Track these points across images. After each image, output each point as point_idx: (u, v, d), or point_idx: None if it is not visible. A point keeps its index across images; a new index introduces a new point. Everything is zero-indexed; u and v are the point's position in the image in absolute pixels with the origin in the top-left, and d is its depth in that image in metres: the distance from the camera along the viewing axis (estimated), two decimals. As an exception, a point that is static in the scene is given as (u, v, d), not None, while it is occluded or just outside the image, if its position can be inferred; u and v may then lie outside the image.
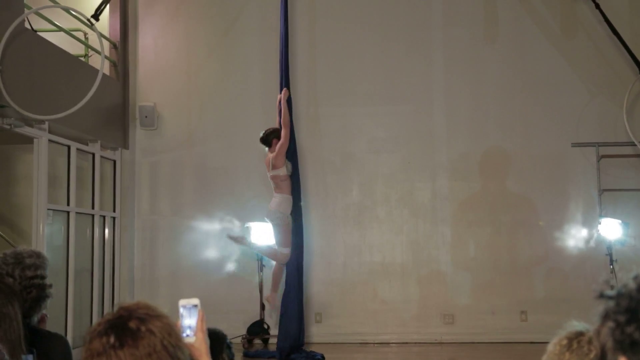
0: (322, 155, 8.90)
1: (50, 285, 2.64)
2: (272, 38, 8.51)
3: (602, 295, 1.07)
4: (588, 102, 8.75)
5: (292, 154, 7.59)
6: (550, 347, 1.82)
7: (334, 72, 9.01)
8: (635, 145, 8.16)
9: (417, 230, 8.81)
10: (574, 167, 8.74)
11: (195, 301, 1.97)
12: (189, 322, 1.95)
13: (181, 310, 1.96)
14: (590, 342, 1.76)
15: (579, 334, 1.79)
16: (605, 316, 1.06)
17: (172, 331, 1.63)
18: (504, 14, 8.93)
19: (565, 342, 1.80)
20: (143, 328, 1.59)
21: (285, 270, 7.42)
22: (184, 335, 1.94)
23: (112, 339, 1.58)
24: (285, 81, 7.82)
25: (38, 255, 2.66)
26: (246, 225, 8.64)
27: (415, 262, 8.74)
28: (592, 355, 1.73)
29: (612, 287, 1.07)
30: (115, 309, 1.67)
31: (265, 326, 8.52)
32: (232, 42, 9.15)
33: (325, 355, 7.36)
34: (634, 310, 1.01)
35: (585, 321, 1.83)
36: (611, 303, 1.05)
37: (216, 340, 2.13)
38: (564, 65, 8.79)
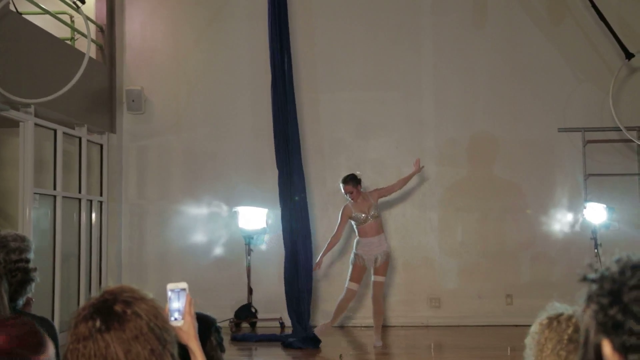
0: (310, 141, 8.89)
1: (35, 269, 2.64)
2: (261, 23, 8.46)
3: (585, 279, 1.08)
4: (575, 87, 8.79)
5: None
6: (532, 328, 1.88)
7: (322, 57, 8.98)
8: (621, 130, 8.22)
9: (404, 216, 8.85)
10: (561, 152, 8.79)
11: (184, 285, 1.98)
12: (177, 305, 1.97)
13: (169, 294, 1.97)
14: (569, 319, 1.82)
15: (559, 314, 1.84)
16: (589, 299, 1.07)
17: (158, 313, 1.63)
18: (493, 0, 8.93)
19: (545, 321, 1.85)
20: (129, 311, 1.59)
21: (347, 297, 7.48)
22: (172, 318, 1.95)
23: (98, 323, 1.57)
24: (279, 65, 7.87)
25: (23, 239, 2.66)
26: (234, 209, 8.66)
27: (402, 246, 8.78)
28: (570, 331, 1.79)
29: (595, 271, 1.09)
30: (100, 293, 1.66)
31: (253, 310, 8.55)
32: (220, 27, 9.10)
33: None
34: (617, 292, 1.02)
35: (569, 304, 1.87)
36: (594, 286, 1.06)
37: (205, 324, 2.14)
38: (552, 51, 8.81)
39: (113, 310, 1.59)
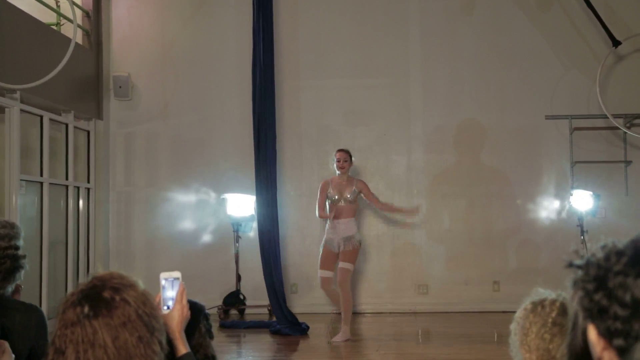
0: (298, 128, 8.89)
1: (24, 256, 2.62)
2: (248, 9, 8.42)
3: (571, 265, 1.09)
4: (562, 75, 8.82)
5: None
6: (517, 313, 1.90)
7: (310, 44, 8.96)
8: (608, 118, 8.26)
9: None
10: (548, 139, 8.84)
11: (177, 274, 1.99)
12: (171, 294, 1.98)
13: (163, 282, 1.98)
14: (552, 303, 1.84)
15: (543, 300, 1.87)
16: (575, 285, 1.08)
17: (146, 300, 1.62)
18: (481, -14, 8.93)
19: (530, 306, 1.88)
20: (117, 298, 1.58)
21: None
22: (165, 307, 1.96)
23: (86, 309, 1.57)
24: (261, 54, 7.85)
25: (12, 225, 2.63)
26: (222, 196, 8.65)
27: (390, 234, 8.81)
28: (554, 314, 1.82)
29: (581, 257, 1.10)
30: (89, 279, 1.66)
31: (241, 297, 8.56)
32: (207, 13, 9.04)
33: (301, 326, 7.44)
34: (602, 278, 1.03)
35: (554, 290, 1.89)
36: (580, 272, 1.07)
37: (194, 311, 2.14)
38: (539, 38, 8.83)
39: (101, 297, 1.58)
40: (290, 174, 8.77)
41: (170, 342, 1.93)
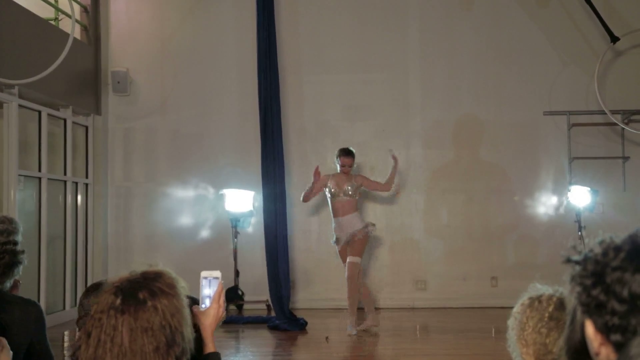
0: (297, 123, 8.88)
1: (23, 252, 2.62)
2: (247, 3, 8.41)
3: (569, 260, 1.09)
4: (560, 70, 8.82)
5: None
6: (514, 308, 1.91)
7: (309, 39, 8.94)
8: (606, 113, 8.27)
9: (390, 198, 8.87)
10: (546, 135, 8.84)
11: (217, 274, 2.05)
12: (209, 292, 2.03)
13: (203, 281, 2.03)
14: (549, 298, 1.86)
15: (540, 295, 1.88)
16: (573, 280, 1.08)
17: (177, 313, 1.61)
18: (480, -18, 8.92)
19: (527, 301, 1.89)
20: (149, 303, 1.58)
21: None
22: (203, 305, 2.00)
23: (117, 301, 1.58)
24: (267, 50, 7.84)
25: (10, 221, 2.63)
26: (220, 192, 8.65)
27: (388, 229, 8.82)
28: (550, 309, 1.83)
29: (579, 253, 1.10)
30: (143, 268, 1.66)
31: (240, 292, 8.57)
32: (206, 7, 9.02)
33: (300, 321, 7.44)
34: (600, 273, 1.03)
35: (551, 286, 1.90)
36: (578, 267, 1.08)
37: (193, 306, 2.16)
38: (538, 33, 8.83)
39: (135, 295, 1.58)
40: (289, 169, 8.75)
41: (200, 338, 1.94)
